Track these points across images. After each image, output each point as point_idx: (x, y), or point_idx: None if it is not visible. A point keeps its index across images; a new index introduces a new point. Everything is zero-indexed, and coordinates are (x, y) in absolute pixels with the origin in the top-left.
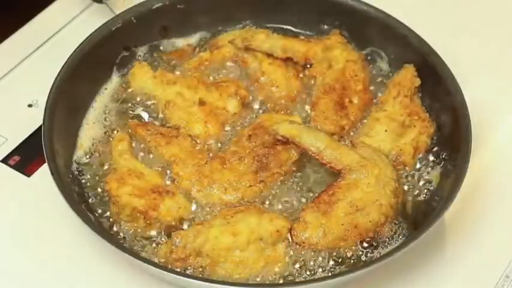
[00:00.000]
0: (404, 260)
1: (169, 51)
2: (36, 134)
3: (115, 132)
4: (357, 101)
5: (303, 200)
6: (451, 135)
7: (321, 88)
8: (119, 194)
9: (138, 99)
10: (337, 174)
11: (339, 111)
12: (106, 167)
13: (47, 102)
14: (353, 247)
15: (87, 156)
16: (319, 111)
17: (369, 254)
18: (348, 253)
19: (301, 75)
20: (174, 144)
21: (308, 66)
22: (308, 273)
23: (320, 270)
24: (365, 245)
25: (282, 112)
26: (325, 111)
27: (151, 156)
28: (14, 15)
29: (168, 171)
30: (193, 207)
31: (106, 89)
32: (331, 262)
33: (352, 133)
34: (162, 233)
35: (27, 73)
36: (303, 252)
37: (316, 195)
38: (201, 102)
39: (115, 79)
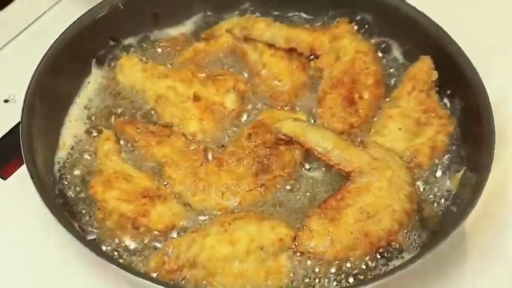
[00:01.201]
0: (419, 272)
1: (161, 41)
2: (13, 133)
3: (100, 130)
4: (367, 96)
5: (308, 205)
6: (472, 135)
7: (328, 82)
8: (105, 198)
9: (126, 94)
10: (346, 177)
11: (347, 107)
12: (91, 168)
13: (25, 98)
14: (363, 257)
15: (70, 157)
16: (326, 107)
17: (381, 266)
18: (357, 264)
19: (306, 67)
20: (166, 144)
21: (314, 57)
22: (314, 286)
23: (327, 283)
24: (377, 255)
25: (285, 108)
26: (332, 108)
27: (140, 157)
28: None
29: (160, 174)
30: (188, 213)
31: (90, 83)
32: (340, 274)
33: (362, 132)
34: (153, 241)
35: (3, 65)
36: (308, 263)
37: (323, 200)
38: (196, 98)
39: (100, 72)
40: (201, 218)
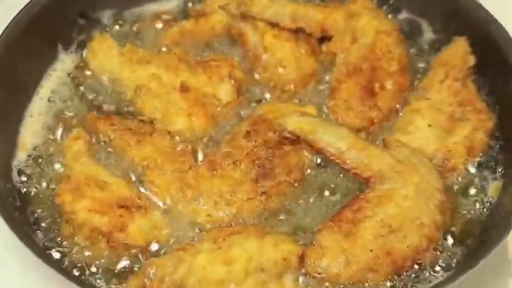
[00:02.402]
0: None
1: (141, 19)
2: None
3: (69, 127)
4: (390, 86)
5: (319, 217)
6: None
7: (342, 69)
8: (74, 209)
9: (99, 83)
10: (364, 184)
11: (366, 99)
12: (57, 174)
13: None
14: (385, 281)
15: (31, 160)
16: (341, 99)
17: None
18: None
19: (315, 51)
20: (147, 144)
21: (325, 39)
22: None
23: None
24: (401, 277)
25: (291, 101)
26: (348, 100)
27: (117, 159)
28: None
29: (140, 180)
30: (173, 227)
31: (55, 70)
32: None
33: (384, 129)
34: (132, 260)
35: None
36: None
37: (337, 211)
38: (184, 88)
39: (67, 57)
40: (190, 232)
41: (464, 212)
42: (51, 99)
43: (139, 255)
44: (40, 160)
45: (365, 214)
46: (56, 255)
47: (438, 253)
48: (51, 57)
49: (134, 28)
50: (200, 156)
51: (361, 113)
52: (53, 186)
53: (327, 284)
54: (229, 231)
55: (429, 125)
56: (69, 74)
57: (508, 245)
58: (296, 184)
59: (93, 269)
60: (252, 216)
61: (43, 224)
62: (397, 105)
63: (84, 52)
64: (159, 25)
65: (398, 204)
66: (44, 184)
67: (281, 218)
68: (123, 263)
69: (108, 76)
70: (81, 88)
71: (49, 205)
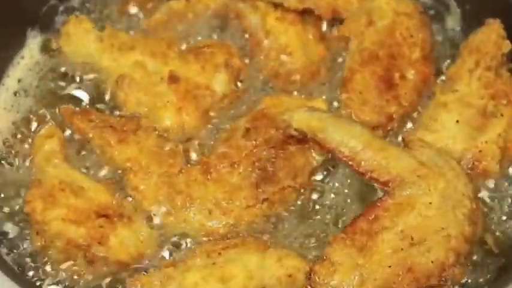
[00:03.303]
0: None
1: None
2: None
3: (39, 124)
4: (412, 76)
5: (330, 228)
6: None
7: (356, 56)
8: (46, 219)
9: (74, 72)
10: (382, 190)
11: (384, 92)
12: (26, 177)
13: None
14: None
15: None
16: (354, 92)
17: None
18: None
19: (325, 36)
20: (130, 143)
21: (337, 22)
22: None
23: None
24: None
25: (297, 94)
26: (363, 92)
27: (95, 161)
28: None
29: (123, 184)
30: (161, 239)
31: (23, 57)
32: None
33: (404, 126)
34: (114, 278)
35: None
36: None
37: (350, 221)
38: (173, 78)
39: (39, 43)
40: (180, 245)
41: (497, 222)
42: (19, 91)
43: (122, 272)
44: (4, 161)
45: (382, 224)
46: (28, 272)
47: (467, 269)
48: (18, 43)
49: (115, 10)
50: (192, 158)
51: (378, 108)
52: (22, 193)
53: None
54: (225, 245)
55: (457, 122)
56: (40, 62)
57: None
58: (302, 190)
59: (68, 285)
60: (251, 227)
61: (9, 236)
62: (420, 99)
63: (58, 37)
64: (145, 5)
65: (420, 213)
66: (11, 190)
67: (285, 228)
68: (104, 281)
69: (85, 64)
70: (54, 78)
71: (17, 214)
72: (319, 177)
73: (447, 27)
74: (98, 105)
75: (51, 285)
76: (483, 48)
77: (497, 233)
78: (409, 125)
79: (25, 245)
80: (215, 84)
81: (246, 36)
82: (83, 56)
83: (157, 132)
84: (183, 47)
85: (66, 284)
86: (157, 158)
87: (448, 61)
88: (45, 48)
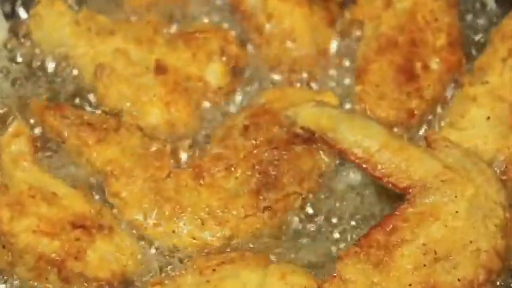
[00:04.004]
0: None
1: None
2: None
3: (5, 121)
4: (436, 65)
5: (340, 241)
6: None
7: (372, 43)
8: (14, 230)
9: (46, 61)
10: (401, 196)
11: (404, 84)
12: None
13: None
14: None
15: None
16: (370, 84)
17: None
18: None
19: (335, 19)
20: (111, 143)
21: (349, 3)
22: None
23: None
24: None
25: (304, 86)
26: (380, 85)
27: (71, 163)
28: None
29: (102, 191)
30: (146, 253)
31: None
32: None
33: (427, 123)
34: None
35: None
36: None
37: (364, 232)
38: (160, 68)
39: (5, 27)
40: (169, 261)
41: None
42: None
43: None
44: None
45: (402, 237)
46: None
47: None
48: None
49: None
50: (182, 160)
51: (397, 102)
52: None
53: None
54: (220, 260)
55: (488, 118)
56: (5, 46)
57: None
58: (310, 196)
59: None
60: (251, 240)
61: None
62: (445, 92)
63: (27, 20)
64: None
65: (446, 223)
66: None
67: (290, 241)
68: None
69: (59, 52)
70: (22, 67)
71: None
72: (328, 182)
73: (477, 10)
74: (74, 100)
75: None
76: None
77: None
78: (433, 122)
79: None
80: (209, 75)
81: (245, 19)
82: (55, 43)
83: (142, 131)
84: (172, 31)
85: None
86: (142, 160)
87: (478, 49)
88: (13, 34)
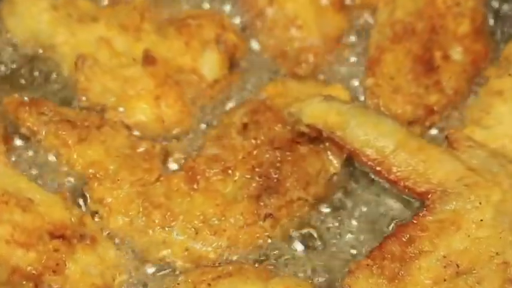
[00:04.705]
0: None
1: None
2: None
3: None
4: (459, 55)
5: (351, 251)
6: None
7: (386, 31)
8: None
9: (20, 52)
10: (419, 202)
11: (422, 76)
12: None
13: None
14: None
15: None
16: (384, 76)
17: None
18: None
19: (345, 5)
20: (94, 143)
21: None
22: None
23: None
24: None
25: (310, 79)
26: (395, 77)
27: (49, 165)
28: None
29: (84, 196)
30: (133, 266)
31: None
32: None
33: (448, 120)
34: None
35: None
36: None
37: (377, 243)
38: (148, 59)
39: None
40: (159, 274)
41: None
42: None
43: None
44: None
45: (420, 248)
46: None
47: None
48: None
49: None
50: (172, 161)
51: (414, 97)
52: None
53: None
54: (216, 273)
55: None
56: None
57: None
58: (316, 203)
59: None
60: (250, 251)
61: None
62: (468, 85)
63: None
64: None
65: (469, 233)
66: None
67: (294, 252)
68: None
69: (35, 40)
70: None
71: None
72: (339, 186)
73: None
74: (53, 95)
75: None
76: None
77: None
78: (455, 119)
79: None
80: (203, 67)
81: (244, 4)
82: (31, 30)
83: (128, 129)
84: (162, 18)
85: None
86: (128, 162)
87: (505, 38)
88: None
